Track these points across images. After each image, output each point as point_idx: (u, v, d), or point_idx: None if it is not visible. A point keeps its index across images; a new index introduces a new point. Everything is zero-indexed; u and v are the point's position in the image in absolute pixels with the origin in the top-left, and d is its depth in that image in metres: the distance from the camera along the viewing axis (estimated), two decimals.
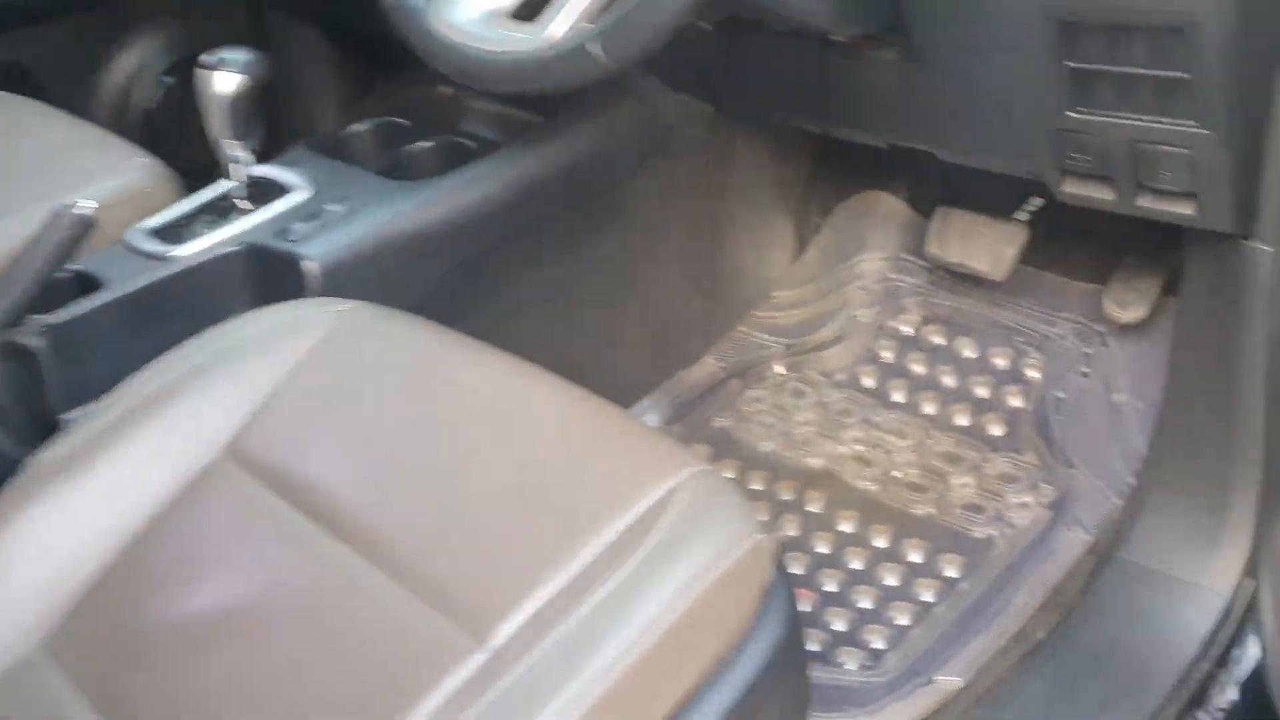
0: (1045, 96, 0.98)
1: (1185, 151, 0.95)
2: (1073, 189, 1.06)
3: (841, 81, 1.18)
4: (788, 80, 1.24)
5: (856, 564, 1.26)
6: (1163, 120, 0.94)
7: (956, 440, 1.39)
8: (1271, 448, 1.09)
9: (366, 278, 1.18)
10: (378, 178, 1.29)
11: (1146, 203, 1.02)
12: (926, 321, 1.51)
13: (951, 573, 1.22)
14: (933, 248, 1.46)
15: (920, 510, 1.31)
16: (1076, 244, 1.43)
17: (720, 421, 1.48)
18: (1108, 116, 0.96)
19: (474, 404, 0.94)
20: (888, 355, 1.51)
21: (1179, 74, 0.90)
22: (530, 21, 0.92)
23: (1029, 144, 1.04)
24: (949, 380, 1.46)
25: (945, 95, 1.09)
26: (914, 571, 1.24)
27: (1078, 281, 1.44)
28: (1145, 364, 1.34)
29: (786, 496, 1.36)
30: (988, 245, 1.41)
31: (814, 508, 1.34)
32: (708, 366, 1.55)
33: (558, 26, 0.89)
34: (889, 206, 1.59)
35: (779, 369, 1.53)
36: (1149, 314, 1.33)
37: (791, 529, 1.31)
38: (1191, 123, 0.93)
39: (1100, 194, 1.04)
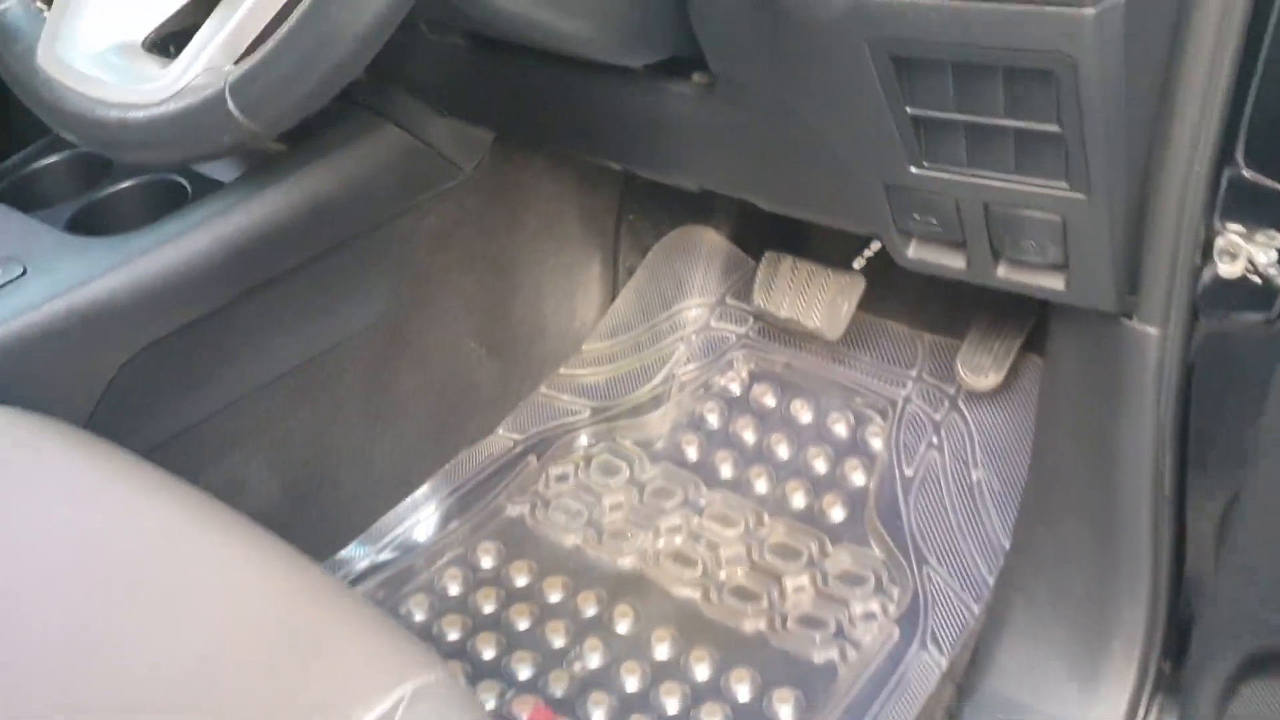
0: (881, 148, 0.76)
1: (1053, 218, 0.75)
2: (918, 255, 0.85)
3: (635, 115, 0.95)
4: (574, 108, 1.00)
5: (672, 708, 1.03)
6: (1026, 181, 0.73)
7: (791, 527, 1.18)
8: (1159, 558, 0.90)
9: (30, 369, 0.94)
10: (58, 232, 1.05)
11: (1006, 274, 0.82)
12: (756, 379, 1.31)
13: (785, 717, 1.01)
14: (759, 300, 1.24)
15: (749, 626, 1.09)
16: (924, 291, 1.24)
17: (514, 509, 1.24)
18: (959, 175, 0.75)
19: (129, 574, 0.72)
20: (713, 420, 1.30)
21: (1047, 126, 0.69)
22: (170, 59, 0.65)
23: (863, 201, 0.83)
24: (783, 451, 1.25)
25: (758, 138, 0.87)
26: (739, 717, 1.02)
27: (926, 333, 1.26)
28: (1005, 435, 1.15)
29: (590, 612, 1.12)
30: (821, 298, 1.20)
31: (623, 627, 1.11)
32: (501, 439, 1.30)
33: (187, 70, 0.61)
34: (712, 243, 1.38)
35: (586, 439, 1.30)
36: (1006, 378, 1.14)
37: (595, 659, 1.08)
38: (1062, 185, 0.73)
39: (951, 262, 0.84)
